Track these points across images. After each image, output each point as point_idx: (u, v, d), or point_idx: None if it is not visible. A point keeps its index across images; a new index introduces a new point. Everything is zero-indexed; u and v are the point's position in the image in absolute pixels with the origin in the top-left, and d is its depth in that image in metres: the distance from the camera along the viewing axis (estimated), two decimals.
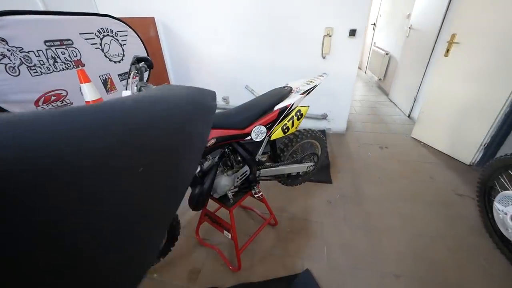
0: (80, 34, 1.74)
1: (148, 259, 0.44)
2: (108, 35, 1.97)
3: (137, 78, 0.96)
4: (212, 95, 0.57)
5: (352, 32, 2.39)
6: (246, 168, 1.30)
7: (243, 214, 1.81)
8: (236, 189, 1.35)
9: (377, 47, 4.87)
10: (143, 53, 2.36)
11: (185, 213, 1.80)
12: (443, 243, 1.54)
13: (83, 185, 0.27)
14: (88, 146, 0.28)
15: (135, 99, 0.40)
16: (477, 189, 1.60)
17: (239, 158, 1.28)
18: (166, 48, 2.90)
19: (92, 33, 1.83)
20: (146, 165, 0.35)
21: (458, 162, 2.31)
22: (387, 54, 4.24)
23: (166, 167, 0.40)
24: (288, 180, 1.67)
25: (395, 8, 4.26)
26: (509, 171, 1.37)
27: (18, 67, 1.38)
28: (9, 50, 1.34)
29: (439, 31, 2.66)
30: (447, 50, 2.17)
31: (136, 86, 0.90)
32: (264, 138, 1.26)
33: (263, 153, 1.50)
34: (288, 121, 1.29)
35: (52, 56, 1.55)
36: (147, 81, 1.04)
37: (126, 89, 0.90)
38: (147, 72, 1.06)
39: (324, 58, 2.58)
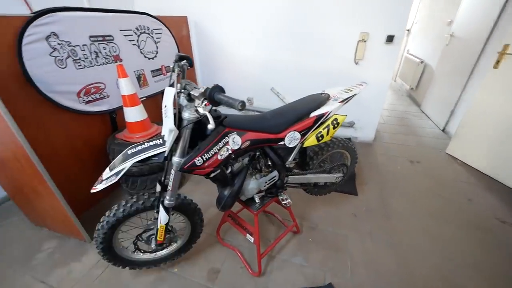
0: (120, 30, 1.81)
1: None
2: (144, 32, 2.04)
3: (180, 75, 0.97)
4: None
5: (390, 38, 2.28)
6: (275, 173, 1.27)
7: (263, 218, 1.78)
8: (263, 194, 1.32)
9: (410, 54, 4.63)
10: (175, 51, 2.41)
11: (206, 211, 1.81)
12: (478, 271, 1.41)
13: None
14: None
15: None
16: None
17: (269, 163, 1.26)
18: (196, 46, 2.95)
19: (131, 30, 1.90)
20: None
21: (501, 184, 2.12)
22: (421, 62, 4.02)
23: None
24: (315, 189, 1.62)
25: (433, 14, 4.02)
26: None
27: (65, 60, 1.46)
28: (59, 44, 1.42)
29: (487, 40, 2.45)
30: (497, 62, 1.99)
31: (180, 83, 0.91)
32: (297, 144, 1.23)
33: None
34: (324, 129, 1.24)
35: (94, 51, 1.63)
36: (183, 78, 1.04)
37: (170, 85, 0.90)
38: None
39: (356, 63, 2.48)
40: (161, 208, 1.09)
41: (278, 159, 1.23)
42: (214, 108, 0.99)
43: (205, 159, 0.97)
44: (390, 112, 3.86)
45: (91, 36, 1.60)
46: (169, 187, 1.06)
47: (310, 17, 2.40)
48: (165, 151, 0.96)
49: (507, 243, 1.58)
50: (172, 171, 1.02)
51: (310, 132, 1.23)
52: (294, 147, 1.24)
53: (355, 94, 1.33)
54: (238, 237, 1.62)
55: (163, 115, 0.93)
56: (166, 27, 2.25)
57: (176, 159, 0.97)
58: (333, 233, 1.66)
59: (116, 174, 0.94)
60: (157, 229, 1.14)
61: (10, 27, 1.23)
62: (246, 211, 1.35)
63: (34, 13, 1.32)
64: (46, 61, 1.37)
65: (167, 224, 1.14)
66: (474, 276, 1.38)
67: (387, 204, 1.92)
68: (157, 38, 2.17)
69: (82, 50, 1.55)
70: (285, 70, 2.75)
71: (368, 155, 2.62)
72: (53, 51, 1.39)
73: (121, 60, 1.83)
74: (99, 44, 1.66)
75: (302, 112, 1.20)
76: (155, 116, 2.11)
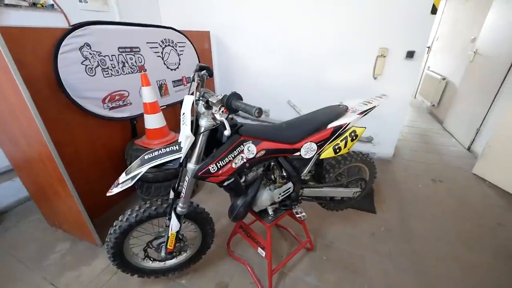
0: (147, 43, 1.91)
1: None
2: (169, 45, 2.14)
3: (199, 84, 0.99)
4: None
5: (410, 54, 2.24)
6: (290, 185, 1.23)
7: (276, 232, 1.72)
8: (276, 206, 1.28)
9: (431, 71, 4.52)
10: (196, 63, 2.51)
11: (218, 221, 1.78)
12: None
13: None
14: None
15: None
16: None
17: (284, 174, 1.23)
18: (216, 59, 3.05)
19: (157, 42, 2.01)
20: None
21: None
22: (443, 79, 3.90)
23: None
24: (331, 204, 1.55)
25: (456, 31, 3.94)
26: None
27: (95, 68, 1.55)
28: (91, 54, 1.52)
29: None
30: None
31: (199, 92, 0.93)
32: (313, 156, 1.19)
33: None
34: (341, 141, 1.20)
35: (122, 61, 1.73)
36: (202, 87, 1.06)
37: (189, 94, 0.92)
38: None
39: (375, 79, 2.45)
40: (173, 215, 1.08)
41: (293, 171, 1.20)
42: (230, 116, 1.00)
43: (219, 167, 0.96)
44: (410, 129, 3.72)
45: (119, 47, 1.70)
46: (182, 194, 1.05)
47: (328, 31, 2.43)
48: (180, 157, 0.97)
49: None
50: (186, 178, 1.01)
51: (327, 144, 1.20)
52: (310, 159, 1.20)
53: (374, 107, 1.29)
54: (249, 250, 1.56)
55: (181, 122, 0.94)
56: (189, 41, 2.36)
57: (191, 165, 0.97)
58: (349, 253, 1.56)
59: (132, 178, 0.95)
60: (168, 237, 1.13)
61: (50, 38, 1.34)
62: (258, 223, 1.31)
63: (71, 26, 1.43)
64: (78, 69, 1.46)
65: (178, 232, 1.12)
66: None
67: (408, 224, 1.80)
68: (180, 50, 2.27)
69: (110, 60, 1.65)
70: (302, 83, 2.76)
71: (387, 172, 2.50)
72: (84, 60, 1.48)
73: (145, 70, 1.92)
74: (126, 55, 1.75)
75: (319, 123, 1.17)
76: (174, 124, 2.16)
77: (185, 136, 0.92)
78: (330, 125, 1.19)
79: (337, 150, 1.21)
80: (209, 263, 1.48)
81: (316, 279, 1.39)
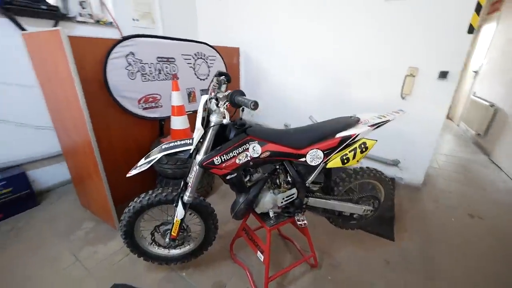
0: (181, 54, 2.16)
1: None
2: (201, 58, 2.38)
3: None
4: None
5: (443, 74, 2.12)
6: (294, 191, 1.24)
7: (281, 244, 1.68)
8: (279, 211, 1.28)
9: (477, 97, 4.12)
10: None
11: (225, 224, 1.81)
12: None
13: None
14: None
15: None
16: None
17: (289, 179, 1.24)
18: (243, 73, 3.25)
19: (190, 55, 2.25)
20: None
21: None
22: (492, 106, 3.52)
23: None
24: (339, 219, 1.48)
25: (507, 56, 3.60)
26: None
27: (135, 73, 1.80)
28: (134, 61, 1.78)
29: None
30: None
31: (214, 93, 1.03)
32: (320, 164, 1.19)
33: (316, 183, 1.41)
34: (350, 152, 1.19)
35: (158, 69, 1.97)
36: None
37: (206, 94, 1.04)
38: (225, 85, 1.19)
39: (403, 98, 2.35)
40: (179, 203, 1.16)
41: (298, 177, 1.20)
42: (240, 117, 1.08)
43: (223, 160, 1.03)
44: (449, 158, 3.38)
45: (158, 57, 1.95)
46: (190, 184, 1.13)
47: (356, 48, 2.44)
48: (191, 149, 1.06)
49: None
50: (194, 169, 1.10)
51: (334, 153, 1.19)
52: (316, 167, 1.20)
53: (388, 121, 1.25)
54: (251, 257, 1.56)
55: (197, 119, 1.05)
56: (220, 55, 2.58)
57: (199, 157, 1.06)
58: (357, 278, 1.44)
59: (148, 162, 1.07)
60: (173, 224, 1.20)
61: (104, 46, 1.62)
62: (262, 231, 1.32)
63: (122, 37, 1.71)
64: (121, 73, 1.71)
65: (182, 220, 1.19)
66: None
67: (431, 258, 1.61)
68: (210, 63, 2.49)
69: (149, 67, 1.89)
70: (325, 99, 2.76)
71: (414, 200, 2.29)
72: (128, 66, 1.74)
73: (178, 78, 2.14)
74: (163, 63, 2.00)
75: (327, 132, 1.18)
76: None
77: (196, 128, 1.02)
78: (338, 135, 1.18)
79: (345, 161, 1.19)
80: (211, 262, 1.51)
81: None
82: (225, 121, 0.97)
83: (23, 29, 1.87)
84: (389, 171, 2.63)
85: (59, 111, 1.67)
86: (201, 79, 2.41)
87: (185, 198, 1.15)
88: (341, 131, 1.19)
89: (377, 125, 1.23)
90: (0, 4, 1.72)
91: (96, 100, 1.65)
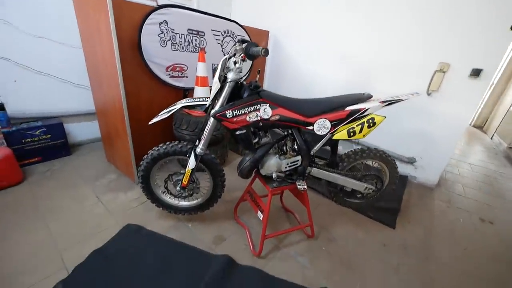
0: (211, 30, 2.27)
1: None
2: (229, 36, 2.47)
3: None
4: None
5: (476, 72, 2.02)
6: (299, 158, 1.30)
7: (283, 215, 1.77)
8: (283, 175, 1.36)
9: None
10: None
11: (232, 192, 1.93)
12: None
13: None
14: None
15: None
16: None
17: (295, 147, 1.31)
18: (270, 58, 3.30)
19: (219, 31, 2.35)
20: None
21: None
22: None
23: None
24: (340, 194, 1.53)
25: None
26: None
27: (167, 41, 1.94)
28: (166, 29, 1.91)
29: None
30: None
31: (232, 53, 1.13)
32: (326, 134, 1.24)
33: (321, 158, 1.46)
34: (357, 125, 1.22)
35: (188, 40, 2.10)
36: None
37: (225, 55, 1.14)
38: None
39: (429, 95, 2.27)
40: (192, 154, 1.28)
41: (304, 144, 1.27)
42: (255, 80, 1.17)
43: (234, 114, 1.12)
44: (473, 167, 3.21)
45: (189, 29, 2.07)
46: (203, 137, 1.24)
47: (385, 40, 2.39)
48: (207, 104, 1.17)
49: None
50: (209, 122, 1.21)
51: (342, 125, 1.23)
52: (323, 136, 1.25)
53: (400, 100, 1.26)
54: (252, 220, 1.66)
55: (215, 75, 1.15)
56: (248, 35, 2.65)
57: (213, 110, 1.16)
58: (351, 252, 1.49)
59: (168, 112, 1.20)
60: (184, 174, 1.33)
61: (141, 11, 1.77)
62: (265, 199, 1.41)
63: (158, 5, 1.85)
64: (154, 39, 1.86)
65: (193, 171, 1.31)
66: None
67: (431, 248, 1.60)
68: None
69: (180, 38, 2.03)
70: (349, 90, 2.73)
71: (424, 198, 2.25)
72: (160, 33, 1.88)
73: (205, 52, 2.26)
74: (193, 36, 2.12)
75: (337, 104, 1.22)
76: None
77: (214, 81, 1.12)
78: (348, 108, 1.22)
79: (352, 134, 1.23)
80: (216, 219, 1.63)
81: (307, 262, 1.38)
82: (241, 75, 1.06)
83: None
84: (403, 169, 2.58)
85: (96, 69, 1.85)
86: None
87: (198, 150, 1.27)
88: (351, 104, 1.23)
89: (388, 102, 1.24)
90: None
91: (129, 63, 1.81)
